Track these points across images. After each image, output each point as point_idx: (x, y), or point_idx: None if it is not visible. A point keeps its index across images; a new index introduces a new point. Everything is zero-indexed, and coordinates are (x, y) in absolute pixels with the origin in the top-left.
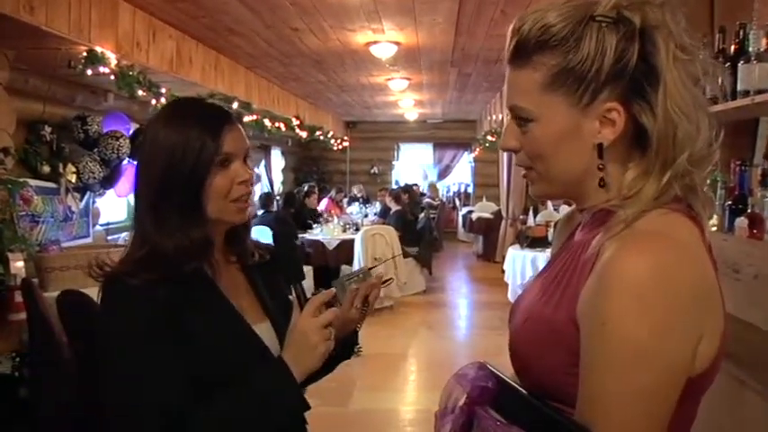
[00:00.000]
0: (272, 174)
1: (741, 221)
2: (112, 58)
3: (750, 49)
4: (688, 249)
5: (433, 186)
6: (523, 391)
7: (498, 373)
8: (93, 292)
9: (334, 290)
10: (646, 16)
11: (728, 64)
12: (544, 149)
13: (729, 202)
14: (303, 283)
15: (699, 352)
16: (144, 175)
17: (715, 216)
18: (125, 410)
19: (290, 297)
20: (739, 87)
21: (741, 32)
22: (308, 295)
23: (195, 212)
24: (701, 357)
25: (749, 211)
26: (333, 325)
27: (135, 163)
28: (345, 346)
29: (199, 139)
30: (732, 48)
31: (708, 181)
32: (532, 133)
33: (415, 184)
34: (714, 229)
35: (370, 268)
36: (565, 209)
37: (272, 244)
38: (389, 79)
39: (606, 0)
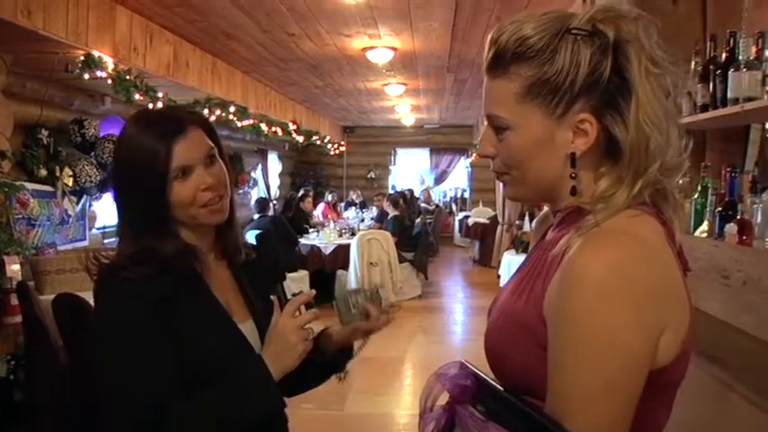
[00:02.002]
0: (268, 178)
1: (731, 228)
2: (110, 63)
3: (740, 57)
4: (648, 246)
5: (426, 191)
6: (501, 389)
7: (477, 371)
8: (89, 295)
9: (314, 291)
10: (620, 30)
11: (719, 72)
12: (519, 157)
13: (719, 209)
14: (293, 286)
15: (661, 345)
16: (114, 189)
17: (705, 222)
18: (114, 397)
19: (271, 297)
20: (729, 95)
21: (731, 41)
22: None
23: (164, 226)
24: (665, 350)
25: (739, 217)
26: (311, 325)
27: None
28: (339, 358)
29: (150, 156)
30: (723, 56)
31: (691, 185)
32: (508, 141)
33: (410, 190)
34: (704, 235)
35: (378, 290)
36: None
37: (258, 243)
38: (386, 84)
39: (582, 13)
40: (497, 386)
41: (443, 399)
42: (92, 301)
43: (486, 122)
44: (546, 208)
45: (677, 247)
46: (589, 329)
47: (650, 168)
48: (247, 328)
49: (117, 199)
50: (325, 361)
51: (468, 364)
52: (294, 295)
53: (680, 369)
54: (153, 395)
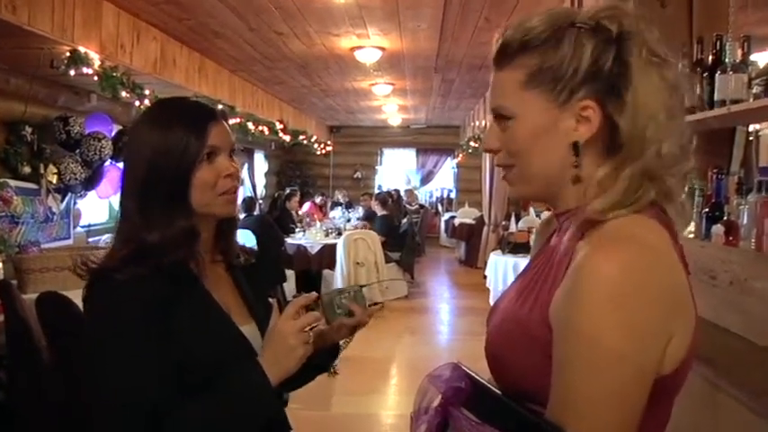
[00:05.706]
0: (254, 177)
1: (717, 229)
2: (96, 59)
3: (726, 60)
4: (658, 253)
5: (409, 192)
6: (496, 391)
7: (472, 373)
8: (73, 294)
9: (314, 294)
10: (622, 24)
11: (706, 74)
12: (523, 145)
13: (706, 210)
14: (285, 286)
15: (668, 352)
16: (130, 172)
17: (692, 223)
18: (108, 406)
19: (270, 299)
20: (716, 97)
21: (718, 43)
22: (289, 298)
23: (181, 204)
24: (671, 358)
25: (725, 218)
26: (312, 328)
27: (121, 163)
28: (325, 358)
29: (184, 136)
30: (710, 58)
31: (686, 188)
32: (512, 130)
33: (396, 190)
34: (692, 236)
35: (362, 286)
36: (547, 215)
37: (256, 248)
38: (373, 84)
39: (586, 10)
40: (492, 388)
41: (436, 401)
42: (76, 300)
43: (491, 119)
44: (533, 212)
45: (678, 250)
46: (597, 337)
47: (646, 153)
48: (250, 332)
49: (134, 182)
50: (312, 362)
51: (463, 366)
52: (294, 297)
53: (683, 375)
54: (146, 403)
